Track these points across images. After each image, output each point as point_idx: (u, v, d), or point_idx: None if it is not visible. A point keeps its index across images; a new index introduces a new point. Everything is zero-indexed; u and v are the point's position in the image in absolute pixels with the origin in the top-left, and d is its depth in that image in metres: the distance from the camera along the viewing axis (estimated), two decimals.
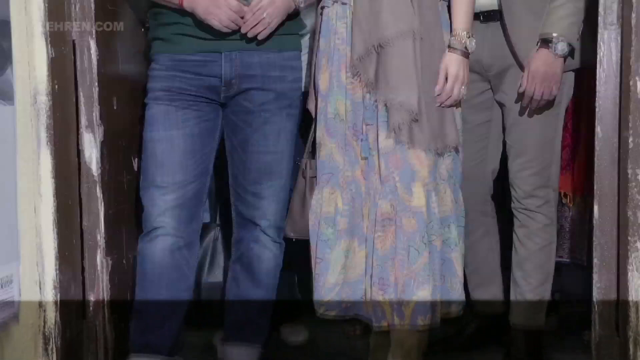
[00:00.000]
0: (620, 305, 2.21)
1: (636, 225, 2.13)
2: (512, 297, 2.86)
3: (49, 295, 2.40)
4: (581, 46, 2.62)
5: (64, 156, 2.43)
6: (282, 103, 2.51)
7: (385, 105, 2.32)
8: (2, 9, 2.21)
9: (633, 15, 2.14)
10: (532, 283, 2.80)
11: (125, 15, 2.62)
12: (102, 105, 2.47)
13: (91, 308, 2.51)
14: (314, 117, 2.57)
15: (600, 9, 2.23)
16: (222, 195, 2.90)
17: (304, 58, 2.68)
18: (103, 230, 2.50)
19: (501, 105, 2.72)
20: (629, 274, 2.15)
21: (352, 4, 2.39)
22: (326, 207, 2.44)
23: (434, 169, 2.37)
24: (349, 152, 2.39)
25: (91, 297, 2.51)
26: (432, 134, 2.32)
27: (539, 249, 2.78)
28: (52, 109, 2.38)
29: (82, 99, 2.47)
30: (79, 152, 2.49)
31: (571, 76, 2.68)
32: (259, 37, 2.39)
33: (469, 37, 2.40)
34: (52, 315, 2.39)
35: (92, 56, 2.48)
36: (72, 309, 2.46)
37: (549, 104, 2.64)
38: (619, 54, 2.21)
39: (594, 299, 2.26)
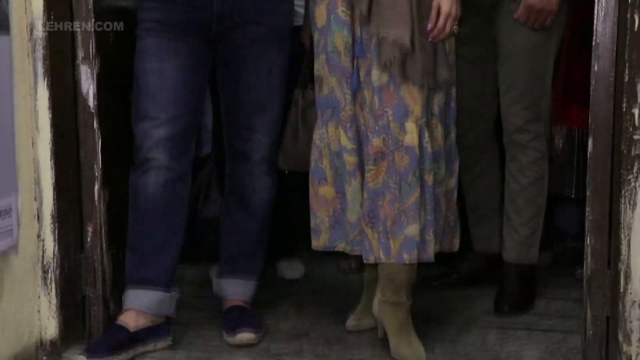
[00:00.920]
0: (612, 239, 2.21)
1: (629, 159, 2.12)
2: (505, 232, 2.88)
3: (47, 227, 2.42)
4: None
5: (60, 89, 2.42)
6: (275, 37, 2.51)
7: (378, 39, 2.30)
8: None
9: None
10: (524, 217, 2.81)
11: None
12: (98, 38, 2.45)
13: (89, 240, 2.52)
14: (308, 51, 2.56)
15: None
16: (216, 130, 2.90)
17: None
18: (100, 162, 2.49)
19: (494, 39, 2.72)
20: (621, 207, 2.14)
21: None
22: (333, 143, 2.45)
23: (427, 105, 2.37)
24: (346, 86, 2.39)
25: (89, 229, 2.51)
26: (424, 69, 2.31)
27: (530, 182, 2.79)
28: (48, 41, 2.36)
29: (78, 32, 2.45)
30: (75, 85, 2.47)
31: (563, 9, 2.66)
32: None
33: None
34: (50, 246, 2.41)
35: None
36: (70, 241, 2.47)
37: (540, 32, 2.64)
38: None
39: (586, 232, 2.25)
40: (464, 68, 2.74)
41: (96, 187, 2.50)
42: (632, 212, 2.14)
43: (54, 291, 2.44)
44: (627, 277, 2.16)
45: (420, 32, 2.30)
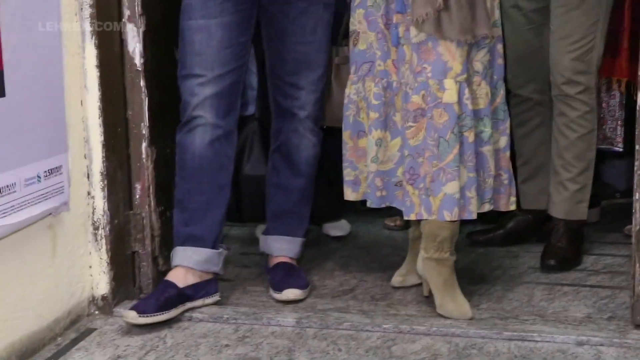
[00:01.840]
0: None
1: None
2: (552, 187, 2.86)
3: (97, 184, 2.46)
4: None
5: (107, 48, 2.44)
6: None
7: None
8: None
9: None
10: (573, 172, 2.80)
11: None
12: None
13: (137, 197, 2.54)
14: (349, 4, 2.53)
15: None
16: (261, 88, 2.91)
17: None
18: (147, 120, 2.51)
19: None
20: None
21: None
22: (370, 96, 2.44)
23: (466, 62, 2.35)
24: (382, 41, 2.38)
25: (137, 186, 2.54)
26: (461, 26, 2.30)
27: (578, 137, 2.77)
28: (95, 0, 2.37)
29: None
30: (121, 43, 2.47)
31: None
32: None
33: None
34: (100, 203, 2.45)
35: None
36: (119, 198, 2.50)
37: None
38: None
39: (635, 187, 2.23)
40: (521, 20, 2.75)
41: (144, 145, 2.51)
42: None
43: (104, 248, 2.47)
44: None
45: None
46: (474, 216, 2.36)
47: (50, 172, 2.24)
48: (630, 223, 2.32)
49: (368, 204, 2.51)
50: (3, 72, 2.03)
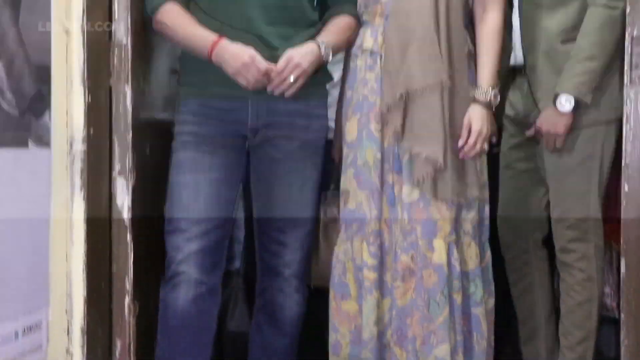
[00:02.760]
0: None
1: None
2: (560, 351, 2.80)
3: (77, 341, 2.41)
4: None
5: (96, 202, 2.45)
6: (307, 152, 2.52)
7: (410, 155, 2.33)
8: (43, 55, 2.26)
9: None
10: (571, 340, 2.74)
11: (157, 61, 2.67)
12: (135, 151, 2.49)
13: (118, 355, 2.50)
14: (337, 166, 2.57)
15: (626, 67, 2.28)
16: (247, 243, 2.90)
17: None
18: (131, 275, 2.50)
19: (540, 154, 2.72)
20: None
21: (382, 53, 2.41)
22: (356, 257, 2.43)
23: (457, 223, 2.36)
24: (376, 202, 2.39)
25: (117, 343, 2.50)
26: (454, 187, 2.33)
27: (576, 304, 2.72)
28: (87, 155, 2.40)
29: (116, 145, 2.49)
30: (110, 199, 2.49)
31: (610, 129, 2.63)
32: (285, 96, 2.40)
33: (494, 91, 2.40)
34: None
35: (127, 102, 2.49)
36: (98, 354, 2.45)
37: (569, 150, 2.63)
38: None
39: (622, 357, 2.25)
40: (511, 180, 2.78)
41: (127, 300, 2.49)
42: None
43: None
44: None
45: (452, 149, 2.32)
46: None
47: (30, 329, 2.22)
48: None
49: None
50: None
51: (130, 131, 2.48)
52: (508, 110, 2.80)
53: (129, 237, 2.48)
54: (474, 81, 2.43)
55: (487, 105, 2.40)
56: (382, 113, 2.38)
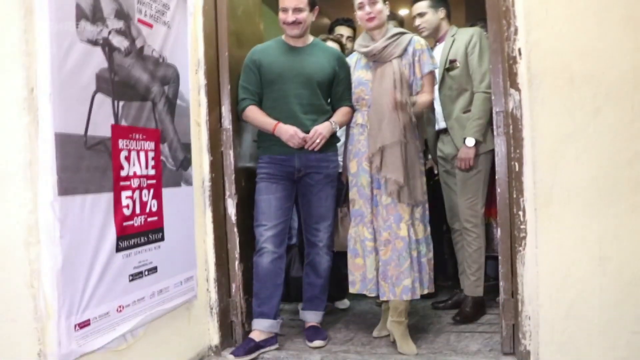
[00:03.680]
0: (513, 281, 2.29)
1: (519, 239, 2.21)
2: (464, 277, 2.94)
3: (212, 284, 2.57)
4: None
5: (217, 212, 2.60)
6: (328, 179, 2.63)
7: (385, 179, 2.45)
8: (186, 137, 2.38)
9: (511, 130, 2.24)
10: (472, 268, 2.88)
11: (245, 135, 2.75)
12: (236, 184, 2.61)
13: (233, 291, 2.65)
14: (345, 185, 2.69)
15: (494, 125, 2.36)
16: (299, 229, 2.98)
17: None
18: (238, 250, 2.63)
19: (454, 174, 2.91)
20: (517, 264, 2.23)
21: (367, 125, 2.50)
22: (361, 235, 2.54)
23: (412, 214, 2.47)
24: (369, 205, 2.52)
25: (233, 285, 2.65)
26: (410, 195, 2.42)
27: (474, 250, 2.87)
28: (211, 188, 2.53)
29: (226, 181, 2.61)
30: (225, 210, 2.62)
31: (490, 156, 2.74)
32: (315, 150, 2.52)
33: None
34: (213, 295, 2.57)
35: (231, 158, 2.60)
36: (223, 292, 2.62)
37: (472, 169, 2.80)
38: (506, 149, 2.32)
39: (500, 277, 2.36)
40: (446, 191, 2.95)
41: (236, 263, 2.65)
42: (522, 267, 2.21)
43: (216, 318, 2.56)
44: (522, 303, 2.25)
45: (408, 174, 2.42)
46: (418, 296, 2.46)
47: (187, 279, 2.34)
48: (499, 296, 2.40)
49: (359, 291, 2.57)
50: (164, 227, 2.14)
51: (234, 174, 2.60)
52: (440, 154, 2.97)
53: (235, 229, 2.63)
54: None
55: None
56: (369, 157, 2.49)
